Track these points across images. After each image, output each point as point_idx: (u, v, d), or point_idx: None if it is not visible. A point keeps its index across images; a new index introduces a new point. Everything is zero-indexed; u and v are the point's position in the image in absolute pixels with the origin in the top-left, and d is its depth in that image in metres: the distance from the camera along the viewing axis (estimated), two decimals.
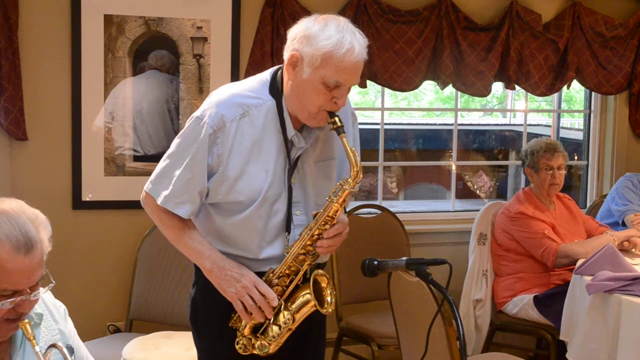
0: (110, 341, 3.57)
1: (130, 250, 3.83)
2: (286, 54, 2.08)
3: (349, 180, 2.10)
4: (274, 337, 2.12)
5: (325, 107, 2.05)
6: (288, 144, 2.12)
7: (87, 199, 3.84)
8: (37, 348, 1.67)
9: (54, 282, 1.69)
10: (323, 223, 2.10)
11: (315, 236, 2.11)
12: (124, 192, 3.86)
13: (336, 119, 2.06)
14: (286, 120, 2.11)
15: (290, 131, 2.11)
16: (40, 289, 1.64)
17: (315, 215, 2.13)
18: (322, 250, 2.12)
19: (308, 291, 2.11)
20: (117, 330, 3.87)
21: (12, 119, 3.62)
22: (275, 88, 2.13)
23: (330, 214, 2.10)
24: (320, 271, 2.16)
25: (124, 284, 3.85)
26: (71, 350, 1.84)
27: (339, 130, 2.07)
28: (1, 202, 1.62)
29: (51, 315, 1.84)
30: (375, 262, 2.10)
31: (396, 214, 4.30)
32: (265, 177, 2.10)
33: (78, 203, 3.85)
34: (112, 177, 3.88)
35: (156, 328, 3.55)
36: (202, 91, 3.94)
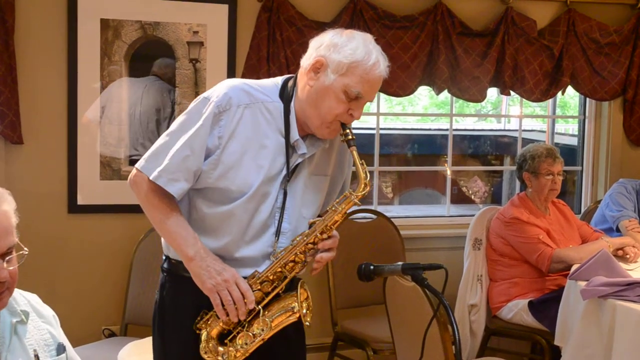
0: (106, 345, 3.57)
1: (126, 254, 3.82)
2: (308, 61, 2.08)
3: (355, 192, 2.08)
4: (245, 344, 2.03)
5: (340, 117, 2.05)
6: (289, 149, 2.09)
7: (82, 202, 3.85)
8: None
9: (26, 250, 1.72)
10: (321, 232, 2.07)
11: (310, 244, 2.07)
12: (119, 195, 3.86)
13: (349, 130, 2.07)
14: (292, 123, 2.09)
15: (295, 135, 2.08)
16: (16, 253, 1.70)
17: (311, 224, 2.10)
18: (319, 264, 2.08)
19: (294, 301, 2.06)
20: (112, 335, 3.86)
21: (7, 122, 3.62)
22: (285, 94, 2.12)
23: (329, 224, 2.08)
24: (304, 284, 2.11)
25: (119, 288, 3.85)
26: (62, 348, 1.84)
27: (350, 142, 2.07)
28: None
29: (38, 315, 1.85)
30: (372, 267, 2.10)
31: (391, 219, 4.30)
32: (258, 172, 2.06)
33: (73, 207, 3.84)
34: (107, 180, 3.88)
35: (151, 332, 3.54)
36: (197, 95, 3.93)
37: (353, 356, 4.03)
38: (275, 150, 2.09)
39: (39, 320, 1.84)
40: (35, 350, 1.76)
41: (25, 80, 3.70)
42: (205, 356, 2.06)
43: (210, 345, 2.05)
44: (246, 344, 2.03)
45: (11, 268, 1.68)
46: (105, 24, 3.80)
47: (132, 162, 3.88)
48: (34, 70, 3.73)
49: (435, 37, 4.24)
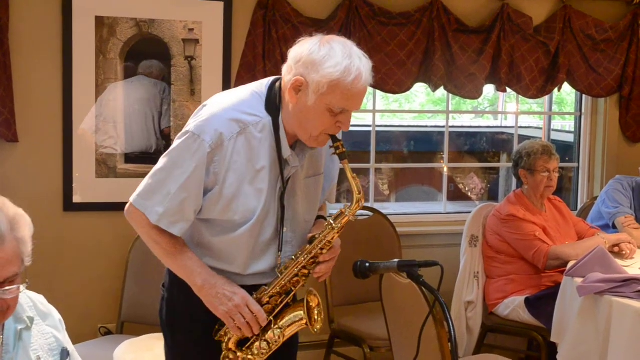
0: (102, 343, 3.56)
1: (122, 252, 3.82)
2: (288, 76, 2.01)
3: (350, 207, 2.09)
4: (262, 353, 2.12)
5: (328, 131, 2.03)
6: (282, 163, 2.07)
7: (78, 201, 3.84)
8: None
9: (27, 282, 1.68)
10: (320, 247, 2.10)
11: (311, 259, 2.11)
12: (115, 194, 3.85)
13: (339, 144, 2.05)
14: (282, 139, 2.05)
15: (287, 151, 2.06)
16: (16, 286, 1.63)
17: (310, 239, 2.12)
18: (319, 274, 2.13)
19: (301, 310, 2.12)
20: (109, 333, 3.85)
21: (2, 120, 3.60)
22: (272, 103, 2.07)
23: (329, 239, 2.10)
24: (313, 291, 2.16)
25: (115, 286, 3.84)
26: (67, 353, 1.83)
27: (342, 155, 2.06)
28: None
29: (43, 319, 1.83)
30: (367, 264, 2.10)
31: (388, 216, 4.30)
32: (259, 196, 2.06)
33: (69, 205, 3.83)
34: (103, 179, 3.87)
35: (148, 330, 3.54)
36: (193, 93, 3.93)
37: (350, 353, 4.03)
38: (270, 168, 2.07)
39: (44, 324, 1.81)
40: (38, 357, 1.74)
41: (20, 78, 3.69)
42: None
43: (231, 354, 2.15)
44: (262, 353, 2.13)
45: (9, 297, 1.62)
46: (100, 21, 3.79)
47: (128, 160, 3.88)
48: (29, 68, 3.72)
49: (431, 34, 4.23)
